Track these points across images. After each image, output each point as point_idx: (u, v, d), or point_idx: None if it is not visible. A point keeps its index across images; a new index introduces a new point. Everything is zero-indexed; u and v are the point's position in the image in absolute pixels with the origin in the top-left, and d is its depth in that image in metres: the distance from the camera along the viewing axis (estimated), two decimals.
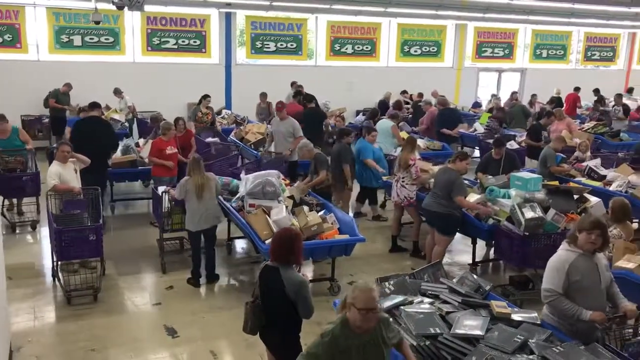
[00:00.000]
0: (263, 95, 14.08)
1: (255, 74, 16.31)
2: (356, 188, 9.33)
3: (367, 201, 9.62)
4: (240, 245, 8.35)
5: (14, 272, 7.01)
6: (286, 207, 6.90)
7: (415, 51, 18.78)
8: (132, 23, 15.21)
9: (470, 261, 7.49)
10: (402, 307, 4.35)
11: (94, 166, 7.89)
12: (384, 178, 8.79)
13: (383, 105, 15.17)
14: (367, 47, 18.04)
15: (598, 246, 4.24)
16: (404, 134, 10.81)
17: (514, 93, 16.69)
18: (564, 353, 3.74)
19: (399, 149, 9.27)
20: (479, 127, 13.18)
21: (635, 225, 6.69)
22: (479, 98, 19.28)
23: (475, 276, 5.00)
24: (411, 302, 4.49)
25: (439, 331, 4.04)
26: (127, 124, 13.13)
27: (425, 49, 18.91)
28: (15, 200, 9.27)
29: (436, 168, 8.27)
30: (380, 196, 9.89)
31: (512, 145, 10.95)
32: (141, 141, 10.57)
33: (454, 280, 4.98)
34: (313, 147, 8.43)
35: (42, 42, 14.55)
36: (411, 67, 18.49)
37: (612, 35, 21.78)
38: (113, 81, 13.90)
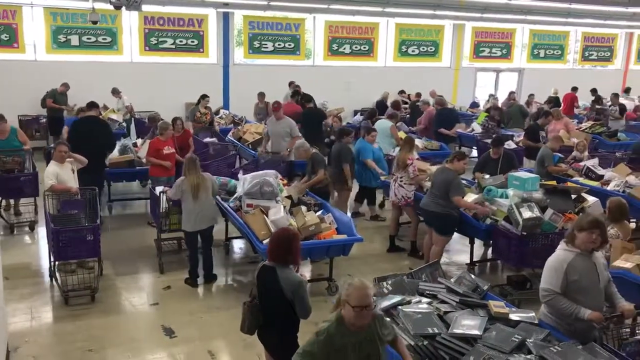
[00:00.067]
0: (261, 95, 14.07)
1: (253, 74, 16.30)
2: (355, 188, 9.34)
3: (365, 201, 9.63)
4: (238, 245, 8.34)
5: (11, 272, 7.01)
6: (284, 207, 6.90)
7: (413, 51, 18.78)
8: (130, 23, 15.17)
9: (468, 261, 7.48)
10: (400, 307, 4.36)
11: (92, 166, 7.87)
12: (382, 178, 8.79)
13: (381, 105, 15.17)
14: (364, 47, 18.04)
15: (598, 245, 4.25)
16: (401, 134, 10.82)
17: (511, 93, 16.70)
18: (561, 352, 3.74)
19: (398, 149, 9.28)
20: (477, 127, 13.20)
21: (632, 225, 6.71)
22: (476, 98, 19.29)
23: (473, 276, 5.01)
24: (409, 302, 4.49)
25: (436, 331, 4.05)
26: (124, 124, 13.11)
27: (423, 49, 18.91)
28: (12, 201, 9.25)
29: (434, 168, 8.27)
30: (379, 196, 9.89)
31: (509, 145, 10.96)
32: (139, 141, 10.56)
33: (452, 280, 4.99)
34: (309, 147, 8.43)
35: (39, 42, 14.51)
36: (409, 67, 18.49)
37: (610, 35, 21.81)
38: (110, 81, 13.87)
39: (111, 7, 11.65)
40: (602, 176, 8.75)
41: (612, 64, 22.35)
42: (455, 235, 7.48)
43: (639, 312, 4.57)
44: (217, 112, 13.93)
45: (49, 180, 7.02)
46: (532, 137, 10.90)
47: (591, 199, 7.38)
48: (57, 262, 6.83)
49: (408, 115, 14.83)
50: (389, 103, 14.70)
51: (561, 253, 4.27)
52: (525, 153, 10.86)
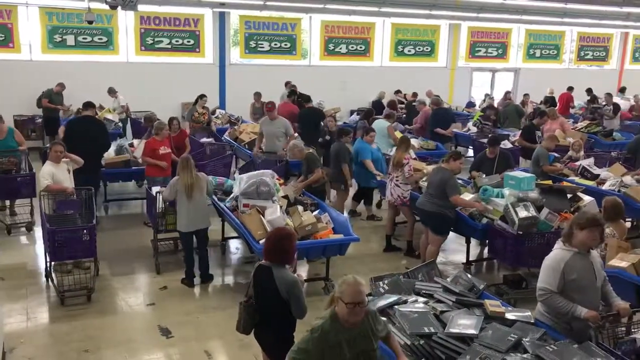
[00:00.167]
0: (257, 95, 14.07)
1: (249, 74, 16.30)
2: (354, 188, 9.34)
3: (362, 201, 9.64)
4: (234, 245, 8.34)
5: (7, 272, 7.00)
6: (280, 207, 6.90)
7: (409, 51, 18.80)
8: (126, 23, 15.14)
9: (464, 260, 7.49)
10: (396, 307, 4.36)
11: (87, 166, 7.85)
12: (379, 177, 8.79)
13: (377, 105, 15.19)
14: (361, 47, 18.05)
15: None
16: (398, 134, 10.83)
17: (507, 93, 16.74)
18: (557, 352, 3.75)
19: (395, 148, 9.28)
20: (473, 127, 13.22)
21: (627, 224, 6.74)
22: (472, 98, 19.33)
23: (469, 275, 5.01)
24: (405, 302, 4.49)
25: (433, 330, 4.05)
26: (120, 124, 13.09)
27: (419, 48, 18.93)
28: (8, 202, 9.22)
29: (430, 168, 8.29)
30: (376, 196, 9.90)
31: (505, 144, 10.99)
32: (135, 141, 10.53)
33: (448, 279, 5.00)
34: (303, 147, 8.43)
35: (35, 41, 14.47)
36: (405, 67, 18.50)
37: (605, 35, 21.87)
38: (106, 81, 13.85)
39: (107, 7, 11.61)
40: (597, 175, 8.77)
41: (608, 63, 22.42)
42: (452, 234, 7.49)
43: (635, 311, 4.59)
44: (213, 112, 13.93)
45: (44, 181, 6.99)
46: (528, 137, 10.92)
47: (587, 198, 7.40)
48: (53, 263, 6.82)
49: (404, 115, 14.85)
50: (385, 103, 14.71)
51: (558, 252, 4.27)
52: (522, 153, 10.88)
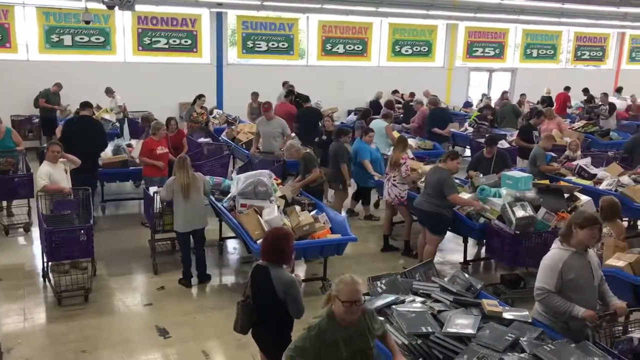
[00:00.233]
0: (254, 95, 14.06)
1: (247, 74, 16.29)
2: (353, 188, 9.34)
3: (360, 201, 9.64)
4: (232, 245, 8.33)
5: (4, 273, 6.99)
6: (278, 206, 6.89)
7: (407, 51, 18.81)
8: (123, 23, 15.12)
9: (462, 260, 7.50)
10: (393, 306, 4.36)
11: (85, 166, 7.84)
12: (376, 177, 8.79)
13: (375, 105, 15.19)
14: (358, 47, 18.05)
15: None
16: (396, 133, 10.83)
17: (504, 93, 16.75)
18: (555, 351, 3.76)
19: (392, 148, 9.28)
20: (470, 127, 13.23)
21: (624, 224, 6.75)
22: (470, 98, 19.34)
23: (466, 275, 5.02)
24: (403, 301, 4.50)
25: (430, 330, 4.05)
26: (118, 124, 13.07)
27: (417, 48, 18.95)
28: (4, 202, 9.20)
29: (427, 167, 8.29)
30: (374, 196, 9.90)
31: (502, 144, 11.00)
32: (134, 142, 10.50)
33: (446, 279, 5.00)
34: (300, 147, 8.43)
35: (32, 41, 14.44)
36: (402, 67, 18.51)
37: (602, 35, 21.92)
38: (104, 81, 13.82)
39: (104, 7, 11.61)
40: (594, 175, 8.79)
41: (605, 63, 22.46)
42: (449, 234, 7.50)
43: (632, 310, 4.60)
44: (210, 112, 13.91)
45: (41, 181, 6.98)
46: (525, 137, 10.93)
47: (584, 197, 7.42)
48: (50, 263, 6.80)
49: (402, 115, 14.86)
50: (382, 103, 14.72)
51: (556, 252, 4.27)
52: (519, 153, 10.89)
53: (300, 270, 7.30)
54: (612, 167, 8.98)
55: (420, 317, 4.20)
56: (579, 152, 9.96)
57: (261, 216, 6.57)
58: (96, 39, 14.92)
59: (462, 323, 4.10)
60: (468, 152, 13.01)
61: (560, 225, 5.76)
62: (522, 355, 3.78)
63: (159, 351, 5.54)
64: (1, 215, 9.12)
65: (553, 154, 9.77)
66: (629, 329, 4.38)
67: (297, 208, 7.01)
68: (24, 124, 13.76)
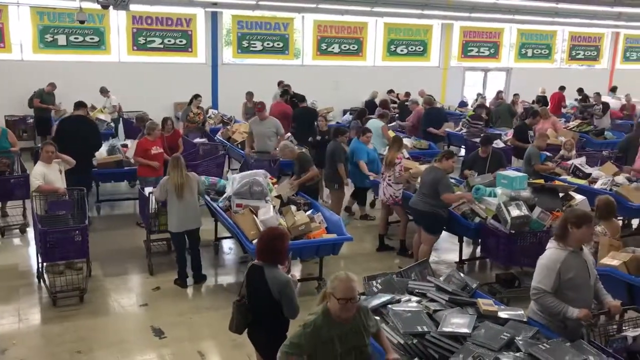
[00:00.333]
0: (249, 95, 14.03)
1: (242, 74, 16.26)
2: (351, 188, 9.36)
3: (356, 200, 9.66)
4: (227, 245, 8.32)
5: None
6: (273, 206, 6.89)
7: (402, 50, 18.82)
8: (118, 22, 15.07)
9: (457, 259, 7.51)
10: (389, 306, 4.36)
11: (79, 166, 7.81)
12: (372, 177, 8.79)
13: (370, 105, 15.20)
14: (353, 47, 18.05)
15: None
16: (392, 133, 10.84)
17: (499, 92, 16.80)
18: (550, 350, 3.77)
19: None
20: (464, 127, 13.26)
21: (619, 223, 6.77)
22: (465, 97, 19.37)
23: (462, 274, 5.02)
24: (398, 301, 4.50)
25: (426, 329, 4.06)
26: (112, 124, 13.03)
27: (412, 48, 18.96)
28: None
29: (422, 167, 8.31)
30: (370, 195, 9.90)
31: (498, 144, 11.02)
32: (129, 142, 10.47)
33: (441, 278, 5.00)
34: (294, 147, 8.43)
35: (26, 41, 14.37)
36: (398, 67, 18.53)
37: (596, 35, 21.98)
38: (98, 81, 13.77)
39: (99, 7, 11.56)
40: (589, 174, 8.82)
41: (599, 63, 22.53)
42: (444, 233, 7.51)
43: (626, 308, 4.62)
44: (206, 112, 13.88)
45: (36, 181, 6.95)
46: (520, 137, 10.95)
47: (578, 197, 7.44)
48: (45, 264, 6.78)
49: (397, 115, 14.88)
50: (378, 102, 14.72)
51: (554, 252, 4.27)
52: (514, 152, 10.92)
53: (296, 270, 7.29)
54: (607, 166, 9.02)
55: (416, 316, 4.20)
56: (573, 152, 10.00)
57: (257, 216, 6.57)
58: (91, 38, 14.87)
59: (457, 322, 4.11)
60: (463, 152, 13.02)
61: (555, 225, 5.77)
62: (518, 354, 3.79)
63: (155, 352, 5.53)
64: None
65: (548, 154, 9.80)
66: (623, 328, 4.40)
67: (293, 208, 7.01)
68: (18, 124, 13.69)
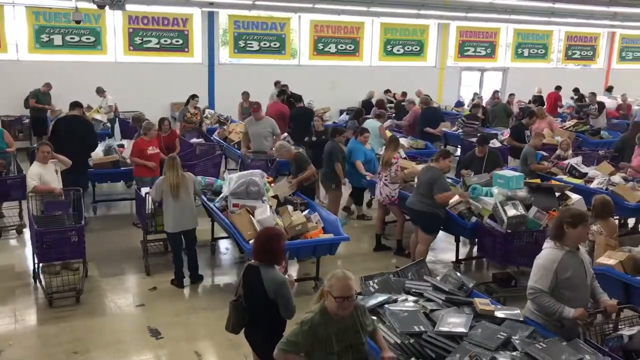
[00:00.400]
0: (245, 95, 14.03)
1: (239, 74, 16.25)
2: (349, 188, 9.37)
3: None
4: (224, 245, 8.31)
5: None
6: (270, 206, 6.89)
7: (398, 50, 18.84)
8: (114, 22, 15.05)
9: (454, 259, 7.53)
10: (386, 306, 4.37)
11: (75, 166, 7.79)
12: (368, 177, 8.79)
13: (367, 105, 15.21)
14: (350, 47, 18.06)
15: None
16: (389, 133, 10.85)
17: (495, 92, 16.82)
18: (546, 349, 3.77)
19: None
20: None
21: (616, 222, 6.79)
22: (461, 97, 19.39)
23: (458, 274, 5.03)
24: (395, 301, 4.50)
25: (423, 329, 4.06)
26: (109, 124, 13.00)
27: (408, 48, 18.98)
28: None
29: (419, 167, 8.31)
30: (367, 195, 9.90)
31: (494, 143, 11.04)
32: (125, 142, 10.44)
33: (438, 278, 5.01)
34: (290, 147, 8.43)
35: (21, 41, 14.33)
36: (394, 67, 18.54)
37: (592, 35, 22.03)
38: (94, 81, 13.72)
39: (95, 7, 11.55)
40: (585, 174, 8.84)
41: (595, 62, 22.59)
42: (441, 233, 7.51)
43: (621, 307, 4.64)
44: (202, 112, 13.86)
45: (31, 181, 6.93)
46: (517, 137, 10.97)
47: (574, 196, 7.46)
48: (41, 264, 6.76)
49: (394, 114, 14.88)
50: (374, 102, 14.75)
51: (550, 252, 4.27)
52: (510, 152, 10.94)
53: (293, 270, 7.29)
54: (603, 165, 9.04)
55: (413, 316, 4.21)
56: (570, 151, 10.02)
57: (253, 216, 6.57)
58: (87, 38, 14.84)
59: (454, 322, 4.11)
60: (459, 151, 13.03)
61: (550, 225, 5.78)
62: (514, 353, 3.80)
63: (151, 352, 5.53)
64: None
65: (544, 153, 9.82)
66: (619, 327, 4.41)
67: (290, 208, 7.01)
68: (14, 124, 13.66)
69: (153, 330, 5.86)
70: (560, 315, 4.14)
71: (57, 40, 14.55)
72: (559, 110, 16.80)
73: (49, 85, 13.41)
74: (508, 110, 14.41)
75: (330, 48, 17.78)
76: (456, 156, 12.07)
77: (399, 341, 3.98)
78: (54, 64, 14.28)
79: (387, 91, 17.63)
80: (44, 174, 7.07)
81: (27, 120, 13.66)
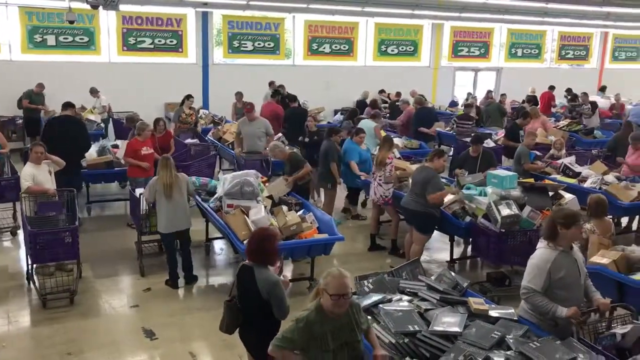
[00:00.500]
0: (239, 95, 14.01)
1: (233, 74, 16.23)
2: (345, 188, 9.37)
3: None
4: (218, 245, 8.30)
5: None
6: (265, 207, 6.89)
7: (392, 50, 18.86)
8: (107, 22, 15.01)
9: (448, 258, 7.54)
10: (381, 305, 4.37)
11: (69, 167, 7.76)
12: (362, 177, 8.79)
13: (362, 105, 15.22)
14: (344, 47, 18.07)
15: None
16: (383, 133, 10.86)
17: (489, 92, 16.86)
18: (540, 348, 3.79)
19: None
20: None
21: (611, 221, 6.81)
22: (455, 97, 19.43)
23: (453, 273, 5.04)
24: (390, 300, 4.51)
25: (417, 328, 4.07)
26: (102, 125, 12.97)
27: (402, 48, 19.01)
28: None
29: (413, 167, 8.32)
30: (362, 195, 9.91)
31: (488, 143, 11.06)
32: (119, 142, 10.41)
33: (432, 277, 5.01)
34: (284, 147, 8.43)
35: (14, 41, 14.27)
36: (388, 67, 18.57)
37: (585, 35, 22.13)
38: (88, 82, 13.68)
39: (88, 7, 11.51)
40: (579, 173, 8.88)
41: (588, 62, 22.68)
42: (436, 233, 7.52)
43: (614, 306, 4.65)
44: (197, 112, 13.84)
45: (25, 182, 6.90)
46: (512, 137, 11.00)
47: (568, 196, 7.49)
48: (34, 265, 6.73)
49: (388, 114, 14.91)
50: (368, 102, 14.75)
51: (544, 252, 4.28)
52: (504, 152, 10.97)
53: (288, 270, 7.28)
54: (596, 165, 9.08)
55: (407, 315, 4.22)
56: (563, 151, 10.05)
57: (248, 216, 6.56)
58: (80, 39, 14.79)
59: (448, 321, 4.12)
60: (452, 151, 13.05)
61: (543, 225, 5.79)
62: (508, 352, 3.81)
63: (146, 353, 5.51)
64: None
65: (538, 153, 9.85)
66: (612, 325, 4.43)
67: (284, 208, 7.01)
68: (8, 124, 13.58)
69: (147, 331, 5.85)
70: (554, 315, 4.16)
71: (51, 40, 14.50)
72: (553, 110, 16.85)
73: (42, 86, 13.35)
74: (502, 110, 14.45)
75: (324, 48, 17.78)
76: (450, 156, 12.09)
77: (393, 341, 3.99)
78: (47, 64, 14.22)
79: (382, 91, 17.65)
80: (38, 174, 7.04)
81: (21, 121, 13.60)
